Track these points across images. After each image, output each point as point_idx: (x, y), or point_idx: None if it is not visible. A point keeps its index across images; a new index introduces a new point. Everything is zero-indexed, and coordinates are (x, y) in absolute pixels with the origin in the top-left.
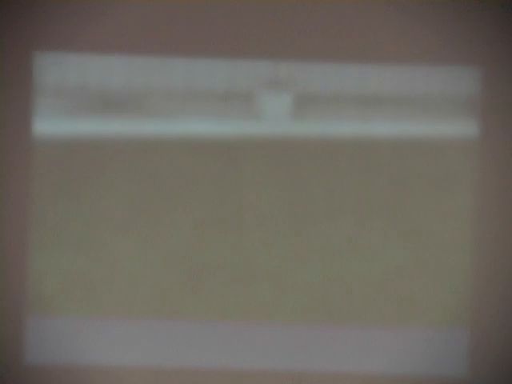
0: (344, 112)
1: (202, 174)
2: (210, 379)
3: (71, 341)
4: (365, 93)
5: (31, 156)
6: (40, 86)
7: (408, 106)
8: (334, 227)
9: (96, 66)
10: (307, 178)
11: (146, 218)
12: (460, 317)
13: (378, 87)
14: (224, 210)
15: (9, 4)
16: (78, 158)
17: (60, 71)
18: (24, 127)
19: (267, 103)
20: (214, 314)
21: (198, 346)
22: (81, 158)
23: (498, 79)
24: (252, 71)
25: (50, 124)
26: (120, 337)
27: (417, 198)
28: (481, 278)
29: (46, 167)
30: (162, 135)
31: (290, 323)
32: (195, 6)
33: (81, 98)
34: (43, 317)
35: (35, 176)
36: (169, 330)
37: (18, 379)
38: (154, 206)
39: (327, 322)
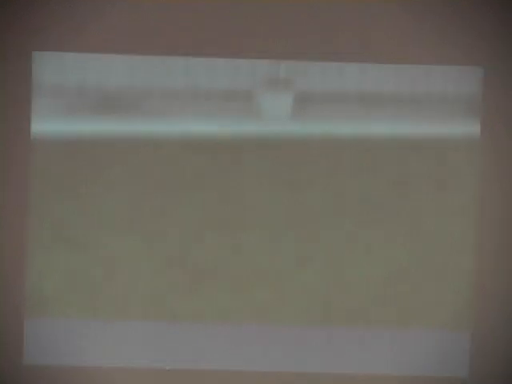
0: (344, 112)
1: (201, 174)
2: (210, 380)
3: (70, 341)
4: (365, 92)
5: (30, 156)
6: (39, 86)
7: (408, 105)
8: (334, 227)
9: (95, 65)
10: (307, 178)
11: (146, 218)
12: (462, 319)
13: (378, 87)
14: (224, 210)
15: (9, 4)
16: (78, 157)
17: (59, 71)
18: (23, 127)
19: (267, 103)
20: (214, 315)
21: (198, 348)
22: (80, 157)
23: (499, 79)
24: (252, 71)
25: (49, 124)
26: (119, 338)
27: (418, 198)
28: (483, 280)
29: (45, 167)
30: (162, 135)
31: (291, 324)
32: (195, 5)
33: (80, 97)
34: (42, 317)
35: (34, 176)
36: (168, 332)
37: (17, 379)
38: (154, 206)
39: (328, 324)
